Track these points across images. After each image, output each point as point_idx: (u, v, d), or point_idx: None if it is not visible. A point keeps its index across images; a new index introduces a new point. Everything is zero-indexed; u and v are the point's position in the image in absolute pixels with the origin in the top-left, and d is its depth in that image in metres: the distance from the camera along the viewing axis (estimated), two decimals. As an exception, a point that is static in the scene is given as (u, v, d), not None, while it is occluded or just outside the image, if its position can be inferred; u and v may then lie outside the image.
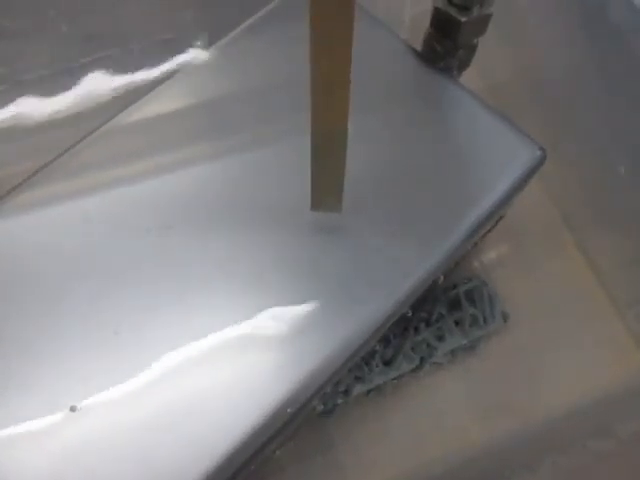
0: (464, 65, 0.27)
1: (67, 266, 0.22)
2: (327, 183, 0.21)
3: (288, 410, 0.21)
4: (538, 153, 0.24)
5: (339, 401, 0.28)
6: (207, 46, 0.26)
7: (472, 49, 0.27)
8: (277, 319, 0.22)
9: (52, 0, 0.28)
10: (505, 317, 0.30)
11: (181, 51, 0.26)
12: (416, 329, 0.28)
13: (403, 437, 0.29)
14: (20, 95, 0.31)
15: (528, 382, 0.29)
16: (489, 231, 0.29)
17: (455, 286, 0.29)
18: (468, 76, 0.29)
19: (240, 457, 0.21)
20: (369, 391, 0.28)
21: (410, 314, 0.26)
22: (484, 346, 0.30)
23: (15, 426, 0.20)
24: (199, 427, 0.20)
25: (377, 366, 0.28)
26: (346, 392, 0.28)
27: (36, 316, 0.21)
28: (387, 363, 0.28)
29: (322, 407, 0.28)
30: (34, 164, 0.23)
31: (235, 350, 0.21)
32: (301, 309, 0.22)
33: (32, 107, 0.30)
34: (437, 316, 0.28)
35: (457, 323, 0.28)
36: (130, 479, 0.19)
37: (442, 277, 0.25)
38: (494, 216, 0.24)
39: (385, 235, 0.22)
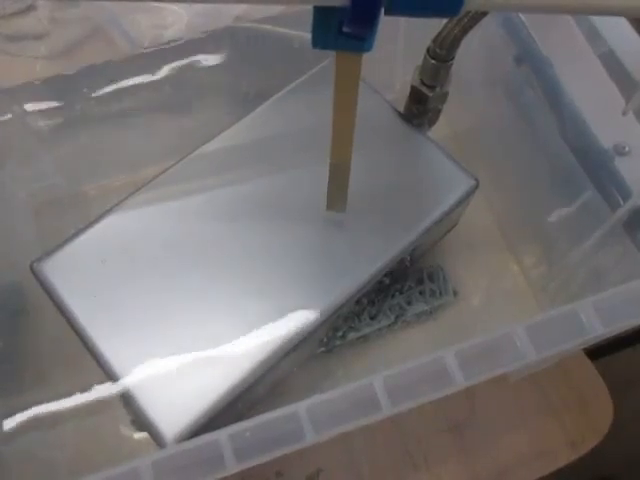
0: (433, 122, 0.41)
1: (169, 248, 0.35)
2: (337, 194, 0.34)
3: (306, 332, 0.34)
4: (473, 182, 0.37)
5: (337, 343, 0.41)
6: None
7: (438, 112, 0.40)
8: (299, 276, 0.34)
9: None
10: (455, 293, 0.43)
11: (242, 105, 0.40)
12: (392, 295, 0.41)
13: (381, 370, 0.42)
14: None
15: (469, 337, 0.42)
16: (445, 235, 0.42)
17: (421, 269, 0.42)
18: (439, 125, 0.42)
19: (273, 360, 0.33)
20: (359, 338, 0.42)
21: (388, 282, 0.39)
22: (440, 312, 0.43)
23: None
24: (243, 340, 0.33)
25: (365, 319, 0.41)
26: (343, 337, 0.41)
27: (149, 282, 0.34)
28: (372, 318, 0.41)
29: (325, 347, 0.41)
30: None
31: (268, 296, 0.34)
32: (314, 270, 0.35)
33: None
34: (407, 288, 0.42)
35: (421, 293, 0.42)
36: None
37: (409, 259, 0.38)
38: (443, 221, 0.37)
39: (368, 227, 0.35)
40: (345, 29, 0.24)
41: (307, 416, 0.21)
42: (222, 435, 0.20)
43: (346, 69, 0.27)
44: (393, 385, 0.21)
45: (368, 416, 0.21)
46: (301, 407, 0.21)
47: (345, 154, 0.31)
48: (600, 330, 0.22)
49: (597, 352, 0.44)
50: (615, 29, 0.36)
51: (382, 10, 0.22)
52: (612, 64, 0.36)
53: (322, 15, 0.24)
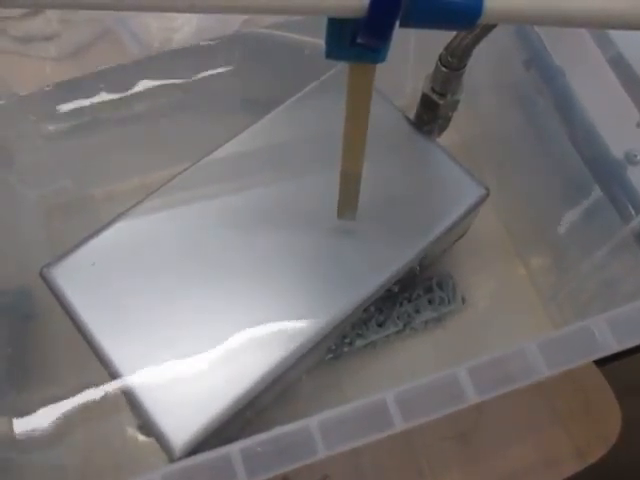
0: (443, 129, 0.41)
1: (179, 255, 0.35)
2: (348, 202, 0.34)
3: (315, 340, 0.33)
4: (484, 191, 0.37)
5: (345, 350, 0.41)
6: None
7: (448, 119, 0.40)
8: (309, 284, 0.34)
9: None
10: (463, 300, 0.43)
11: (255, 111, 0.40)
12: (401, 304, 0.41)
13: (388, 377, 0.42)
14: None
15: (477, 345, 0.42)
16: (454, 243, 0.42)
17: (430, 277, 0.42)
18: (448, 133, 0.42)
19: (282, 368, 0.33)
20: (366, 345, 0.41)
21: (397, 291, 0.39)
22: (448, 319, 0.43)
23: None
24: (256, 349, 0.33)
25: (373, 327, 0.41)
26: (350, 343, 0.41)
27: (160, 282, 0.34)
28: (380, 325, 0.41)
29: (333, 354, 0.41)
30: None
31: (277, 303, 0.34)
32: (324, 278, 0.34)
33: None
34: (416, 296, 0.41)
35: (429, 302, 0.42)
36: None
37: (418, 267, 0.38)
38: (453, 230, 0.37)
39: (378, 236, 0.35)
40: (359, 40, 0.23)
41: (319, 431, 0.21)
42: (233, 449, 0.20)
43: (359, 79, 0.27)
44: (405, 401, 0.21)
45: (380, 432, 0.21)
46: (312, 422, 0.21)
47: (356, 163, 0.31)
48: (614, 347, 0.22)
49: (604, 357, 0.44)
50: (626, 34, 0.36)
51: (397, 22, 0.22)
52: (623, 70, 0.36)
53: (336, 26, 0.24)
